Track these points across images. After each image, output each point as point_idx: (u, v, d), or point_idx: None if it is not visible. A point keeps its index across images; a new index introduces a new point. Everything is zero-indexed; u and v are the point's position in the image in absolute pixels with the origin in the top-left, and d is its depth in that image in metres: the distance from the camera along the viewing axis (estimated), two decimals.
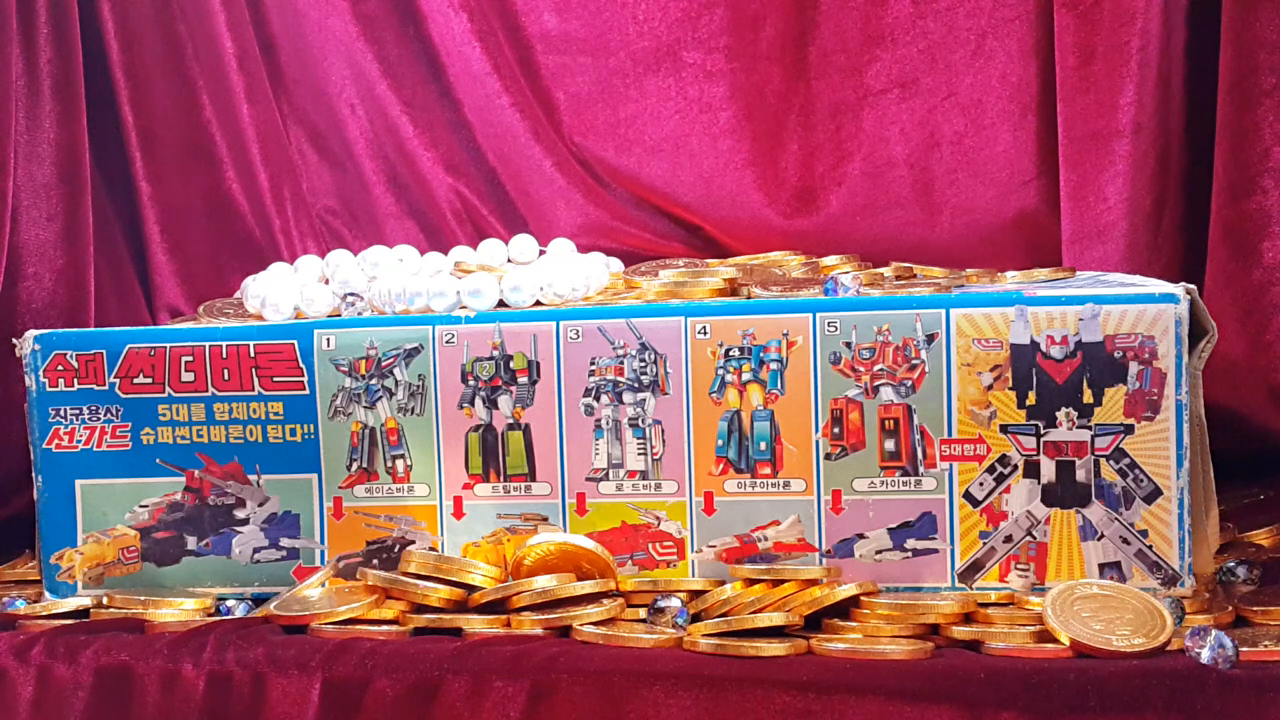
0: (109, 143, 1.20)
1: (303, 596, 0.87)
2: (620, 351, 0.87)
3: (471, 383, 0.89)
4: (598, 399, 0.88)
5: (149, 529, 0.91)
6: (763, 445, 0.86)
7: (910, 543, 0.85)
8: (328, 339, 0.90)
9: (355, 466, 0.90)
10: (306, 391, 0.90)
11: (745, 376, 0.86)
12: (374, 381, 0.89)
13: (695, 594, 0.85)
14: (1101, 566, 0.84)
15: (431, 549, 0.89)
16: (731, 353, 0.86)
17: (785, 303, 0.87)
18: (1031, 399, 0.84)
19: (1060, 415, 0.84)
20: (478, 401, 0.88)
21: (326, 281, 1.02)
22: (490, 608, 0.85)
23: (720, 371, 0.87)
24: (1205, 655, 0.73)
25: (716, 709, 0.74)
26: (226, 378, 0.90)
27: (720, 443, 0.87)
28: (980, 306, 0.84)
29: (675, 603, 0.83)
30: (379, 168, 1.31)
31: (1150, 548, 0.84)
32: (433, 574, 0.85)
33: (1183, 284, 0.84)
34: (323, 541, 0.90)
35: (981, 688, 0.72)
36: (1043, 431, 0.84)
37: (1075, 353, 0.83)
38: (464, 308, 0.92)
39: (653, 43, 1.26)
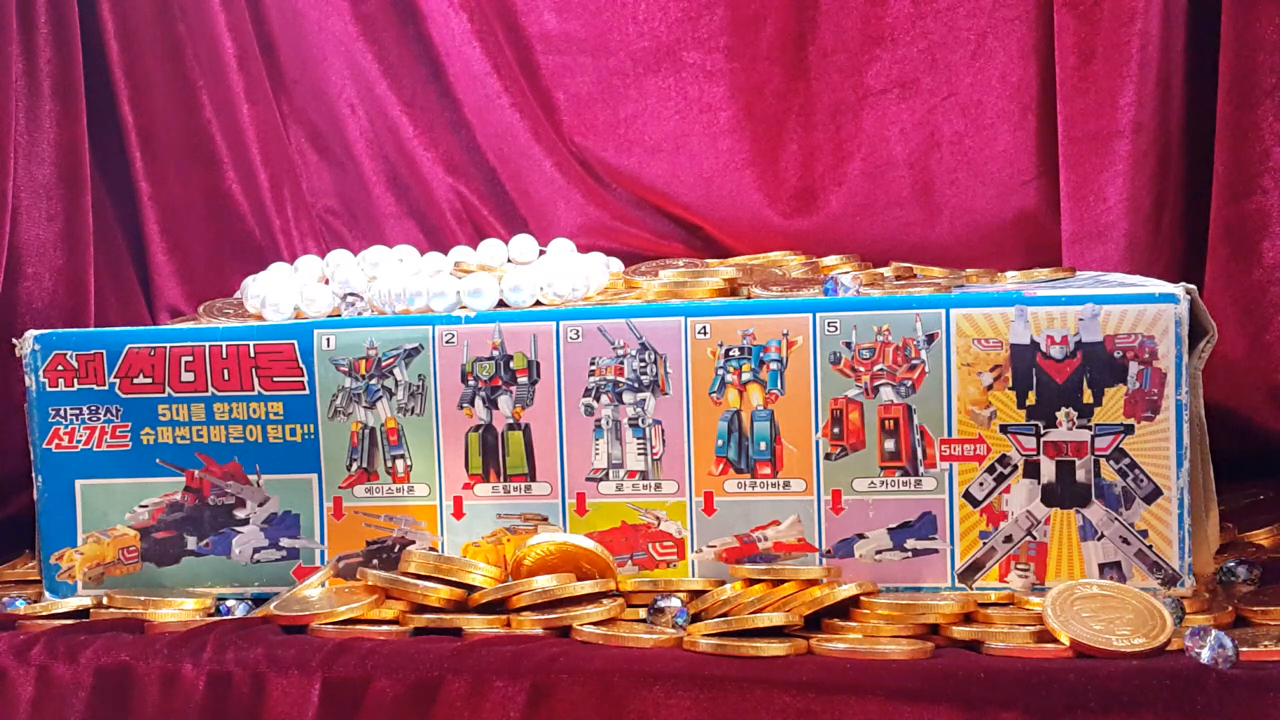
0: (109, 143, 1.20)
1: (303, 596, 0.87)
2: (620, 351, 0.87)
3: (471, 383, 0.89)
4: (598, 399, 0.88)
5: (149, 529, 0.91)
6: (763, 445, 0.86)
7: (910, 543, 0.85)
8: (328, 339, 0.90)
9: (355, 466, 0.90)
10: (306, 391, 0.90)
11: (745, 376, 0.86)
12: (374, 381, 0.89)
13: (695, 594, 0.85)
14: (1101, 566, 0.84)
15: (431, 549, 0.89)
16: (731, 353, 0.86)
17: (785, 303, 0.87)
18: (1031, 399, 0.84)
19: (1060, 415, 0.84)
20: (478, 401, 0.88)
21: (326, 281, 1.02)
22: (490, 608, 0.84)
23: (720, 371, 0.87)
24: (1205, 655, 0.73)
25: (716, 709, 0.74)
26: (226, 378, 0.90)
27: (720, 443, 0.87)
28: (980, 306, 0.84)
29: (675, 603, 0.83)
30: (379, 168, 1.31)
31: (1150, 548, 0.84)
32: (433, 574, 0.85)
33: (1183, 284, 0.84)
34: (323, 541, 0.90)
35: (981, 688, 0.72)
36: (1043, 431, 0.84)
37: (1075, 353, 0.83)
38: (464, 308, 0.92)
39: (653, 43, 1.26)
